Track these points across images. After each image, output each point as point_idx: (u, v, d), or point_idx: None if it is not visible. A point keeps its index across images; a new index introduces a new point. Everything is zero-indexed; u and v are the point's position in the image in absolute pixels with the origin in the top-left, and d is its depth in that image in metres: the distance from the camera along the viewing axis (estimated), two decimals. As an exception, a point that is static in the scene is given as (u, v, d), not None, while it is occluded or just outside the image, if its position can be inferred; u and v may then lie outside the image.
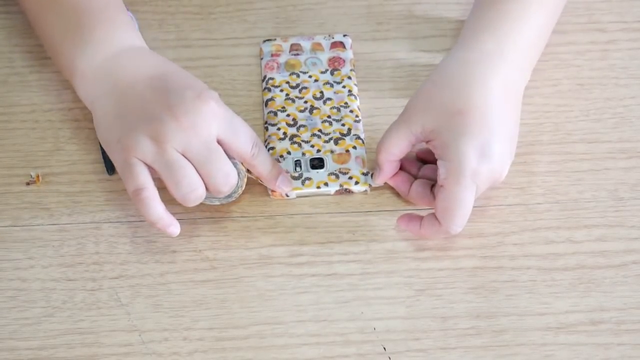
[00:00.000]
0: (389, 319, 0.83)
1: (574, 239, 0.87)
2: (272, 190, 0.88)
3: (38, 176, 0.90)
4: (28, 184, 0.90)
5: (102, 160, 0.90)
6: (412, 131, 0.85)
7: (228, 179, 0.83)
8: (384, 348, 0.82)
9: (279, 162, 0.90)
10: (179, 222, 0.87)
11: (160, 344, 0.82)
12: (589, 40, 0.98)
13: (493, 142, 0.83)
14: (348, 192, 0.89)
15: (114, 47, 0.87)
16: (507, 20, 0.88)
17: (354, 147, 0.91)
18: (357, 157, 0.90)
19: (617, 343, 0.82)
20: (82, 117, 0.93)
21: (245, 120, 0.93)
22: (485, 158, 0.83)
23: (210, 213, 0.88)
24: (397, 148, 0.86)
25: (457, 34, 0.98)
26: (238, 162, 0.85)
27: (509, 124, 0.85)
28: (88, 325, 0.83)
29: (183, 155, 0.82)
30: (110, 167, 0.90)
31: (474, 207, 0.88)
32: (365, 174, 0.89)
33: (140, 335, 0.82)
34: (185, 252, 0.86)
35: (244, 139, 0.84)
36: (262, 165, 0.86)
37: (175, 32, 0.99)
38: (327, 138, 0.91)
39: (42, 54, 0.97)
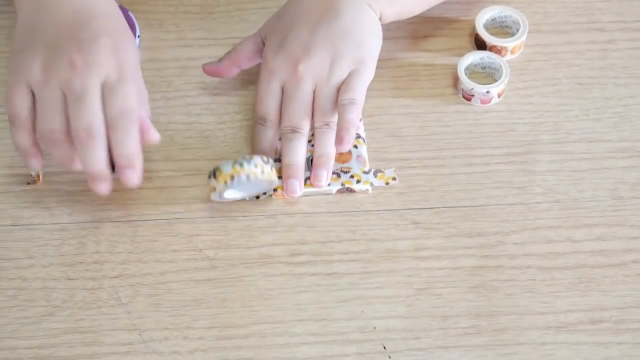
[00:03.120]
0: (389, 318, 0.83)
1: (574, 238, 0.87)
2: (274, 190, 0.88)
3: (39, 176, 0.90)
4: (29, 183, 0.90)
5: None
6: (256, 37, 0.93)
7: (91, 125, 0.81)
8: (384, 347, 0.82)
9: (279, 161, 0.90)
10: (179, 222, 0.87)
11: (161, 343, 0.82)
12: (589, 39, 0.98)
13: (290, 35, 0.89)
14: (350, 191, 0.89)
15: None
16: None
17: (355, 147, 0.91)
18: (358, 156, 0.90)
19: (617, 342, 0.82)
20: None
21: (247, 118, 0.93)
22: (279, 50, 0.89)
23: (210, 213, 0.88)
24: (245, 49, 0.93)
25: (457, 34, 0.99)
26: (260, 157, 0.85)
27: (318, 21, 0.89)
28: (88, 324, 0.83)
29: (63, 93, 0.82)
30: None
31: (473, 206, 0.88)
32: (366, 173, 0.89)
33: (140, 334, 0.82)
34: (186, 251, 0.86)
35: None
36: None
37: (175, 32, 0.99)
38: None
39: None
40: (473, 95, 0.94)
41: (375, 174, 0.90)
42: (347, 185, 0.89)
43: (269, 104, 0.89)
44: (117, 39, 0.84)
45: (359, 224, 0.88)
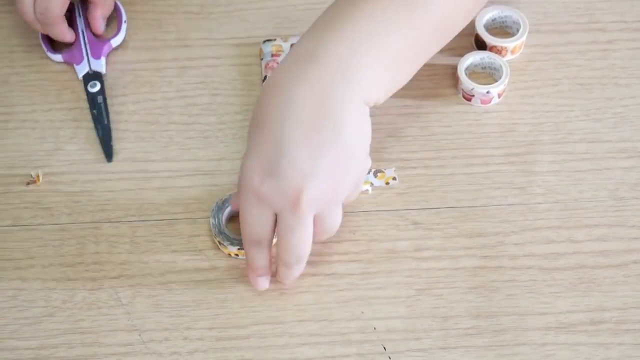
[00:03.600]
0: (389, 318, 0.83)
1: (575, 238, 0.87)
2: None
3: (38, 176, 0.90)
4: (28, 183, 0.90)
5: (103, 147, 0.91)
6: None
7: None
8: (384, 348, 0.82)
9: None
10: (179, 222, 0.87)
11: (161, 344, 0.82)
12: (590, 40, 0.98)
13: (282, 159, 0.76)
14: None
15: None
16: (334, 19, 0.80)
17: None
18: None
19: (618, 343, 0.82)
20: (82, 117, 0.93)
21: (247, 119, 0.93)
22: (271, 176, 0.76)
23: (210, 213, 0.88)
24: None
25: (457, 34, 0.98)
26: None
27: (315, 138, 0.77)
28: (88, 324, 0.83)
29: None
30: (109, 156, 0.90)
31: (474, 206, 0.88)
32: (367, 173, 0.89)
33: (140, 335, 0.82)
34: (186, 251, 0.86)
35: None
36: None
37: (175, 32, 0.99)
38: None
39: (42, 53, 0.97)
40: (473, 96, 0.94)
41: (375, 174, 0.90)
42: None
43: (262, 232, 0.80)
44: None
45: (359, 225, 0.88)
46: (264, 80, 0.95)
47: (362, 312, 0.83)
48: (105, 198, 0.89)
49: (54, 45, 0.97)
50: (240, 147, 0.91)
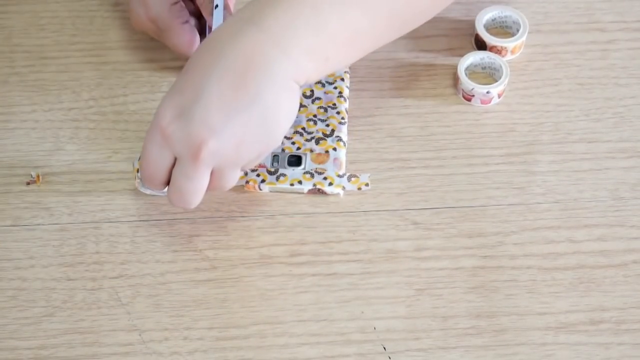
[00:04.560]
0: (389, 318, 0.83)
1: (574, 238, 0.87)
2: (247, 182, 0.88)
3: (38, 176, 0.90)
4: (28, 183, 0.90)
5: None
6: None
7: None
8: (384, 347, 0.82)
9: None
10: (179, 222, 0.87)
11: (161, 344, 0.82)
12: (589, 40, 0.98)
13: (196, 106, 0.77)
14: (321, 192, 0.89)
15: None
16: None
17: (334, 149, 0.90)
18: (335, 159, 0.90)
19: (617, 343, 0.82)
20: (82, 117, 0.93)
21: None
22: (179, 119, 0.78)
23: (210, 213, 0.88)
24: None
25: (457, 34, 0.99)
26: None
27: (234, 97, 0.78)
28: (88, 324, 0.83)
29: None
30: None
31: (473, 206, 0.88)
32: (340, 176, 0.89)
33: (140, 335, 0.82)
34: (186, 251, 0.86)
35: None
36: None
37: (176, 32, 0.99)
38: (309, 137, 0.91)
39: (42, 53, 0.97)
40: (473, 96, 0.94)
41: (349, 179, 0.89)
42: (318, 187, 0.89)
43: (158, 173, 0.81)
44: None
45: (359, 224, 0.88)
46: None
47: (362, 312, 0.83)
48: (105, 198, 0.89)
49: None
50: (240, 147, 0.91)
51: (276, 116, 0.79)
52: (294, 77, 0.80)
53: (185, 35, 0.91)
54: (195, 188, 0.80)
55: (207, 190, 0.82)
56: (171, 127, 0.78)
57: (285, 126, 0.81)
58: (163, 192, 0.86)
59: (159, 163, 0.80)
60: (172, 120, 0.78)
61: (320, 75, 0.83)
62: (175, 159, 0.80)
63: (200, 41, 0.90)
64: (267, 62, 0.78)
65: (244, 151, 0.79)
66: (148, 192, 0.88)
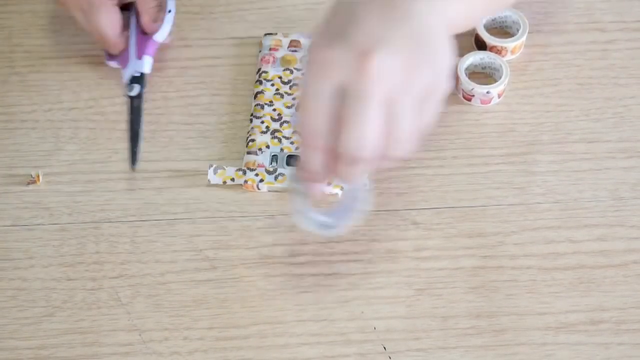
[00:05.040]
0: (389, 318, 0.83)
1: (574, 238, 0.87)
2: (245, 182, 0.88)
3: (38, 176, 0.90)
4: (28, 183, 0.90)
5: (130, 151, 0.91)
6: None
7: None
8: (384, 347, 0.82)
9: (257, 154, 0.90)
10: (179, 222, 0.87)
11: (161, 344, 0.82)
12: (589, 40, 0.98)
13: (352, 23, 0.69)
14: None
15: None
16: None
17: None
18: None
19: (617, 342, 0.82)
20: (82, 117, 0.93)
21: (247, 119, 0.93)
22: (338, 38, 0.68)
23: (210, 213, 0.88)
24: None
25: (457, 34, 0.98)
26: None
27: (390, 13, 0.70)
28: (88, 324, 0.83)
29: None
30: (133, 162, 0.90)
31: (473, 206, 0.88)
32: None
33: (140, 335, 0.82)
34: (186, 251, 0.86)
35: None
36: None
37: (175, 31, 0.99)
38: None
39: (42, 54, 0.97)
40: (473, 96, 0.94)
41: None
42: None
43: (322, 118, 0.70)
44: None
45: (359, 224, 0.88)
46: (257, 73, 0.95)
47: (362, 312, 0.83)
48: (105, 198, 0.89)
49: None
50: (240, 147, 0.91)
51: (433, 37, 0.71)
52: (444, 17, 0.73)
53: (114, 15, 0.93)
54: (366, 120, 0.68)
55: (384, 151, 0.71)
56: (331, 49, 0.68)
57: (447, 54, 0.72)
58: (328, 225, 0.78)
59: (324, 106, 0.69)
60: (330, 43, 0.69)
61: (460, 16, 0.76)
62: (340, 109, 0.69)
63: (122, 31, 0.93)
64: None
65: (415, 70, 0.69)
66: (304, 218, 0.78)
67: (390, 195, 0.89)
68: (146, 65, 0.94)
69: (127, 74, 0.94)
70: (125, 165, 0.90)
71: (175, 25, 0.98)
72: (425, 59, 0.71)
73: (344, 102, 0.69)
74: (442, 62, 0.72)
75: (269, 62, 0.95)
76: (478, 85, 0.93)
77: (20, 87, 0.96)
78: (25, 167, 0.91)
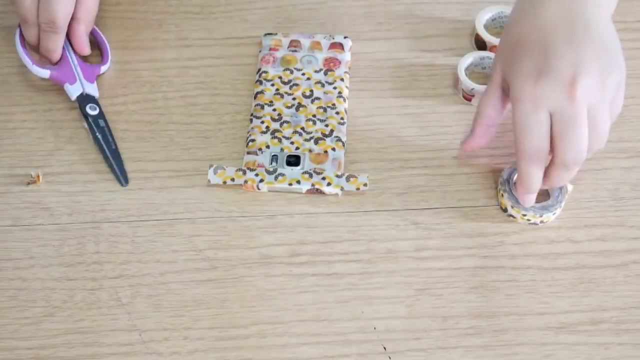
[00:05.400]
0: (389, 318, 0.83)
1: (574, 238, 0.87)
2: (245, 182, 0.88)
3: (38, 176, 0.90)
4: (28, 183, 0.90)
5: (115, 172, 0.90)
6: (495, 81, 0.85)
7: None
8: (384, 347, 0.82)
9: (257, 154, 0.90)
10: (179, 222, 0.87)
11: (161, 344, 0.82)
12: (589, 40, 0.98)
13: (550, 56, 0.81)
14: (319, 192, 0.89)
15: None
16: None
17: (333, 149, 0.90)
18: (334, 159, 0.90)
19: (618, 343, 0.82)
20: (82, 117, 0.93)
21: (247, 119, 0.93)
22: (543, 74, 0.80)
23: (210, 213, 0.88)
24: (490, 107, 0.86)
25: (457, 34, 0.99)
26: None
27: (573, 35, 0.82)
28: (88, 324, 0.83)
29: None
30: (124, 179, 0.89)
31: (473, 206, 0.88)
32: (339, 177, 0.89)
33: (140, 335, 0.82)
34: (186, 251, 0.86)
35: None
36: None
37: (175, 32, 0.99)
38: (308, 137, 0.91)
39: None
40: (473, 96, 0.94)
41: (348, 179, 0.89)
42: (316, 186, 0.89)
43: (540, 140, 0.81)
44: None
45: (359, 224, 0.88)
46: (257, 73, 0.95)
47: (362, 312, 0.83)
48: (105, 198, 0.89)
49: (37, 59, 0.96)
50: (240, 147, 0.91)
51: (613, 41, 0.83)
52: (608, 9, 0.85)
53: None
54: (581, 132, 0.81)
55: (589, 146, 0.82)
56: (539, 86, 0.80)
57: (619, 44, 0.84)
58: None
59: (541, 130, 0.81)
60: (536, 80, 0.81)
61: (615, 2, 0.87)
62: (551, 125, 0.81)
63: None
64: (585, 9, 0.83)
65: (606, 76, 0.81)
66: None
67: (391, 195, 0.89)
68: (97, 90, 0.94)
69: (75, 91, 0.94)
70: (126, 165, 0.90)
71: (175, 25, 0.99)
72: (612, 62, 0.82)
73: (559, 123, 0.81)
74: (620, 54, 0.84)
75: (269, 62, 0.95)
76: (478, 85, 0.93)
77: (20, 87, 0.96)
78: (25, 167, 0.91)
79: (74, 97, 0.93)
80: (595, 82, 0.80)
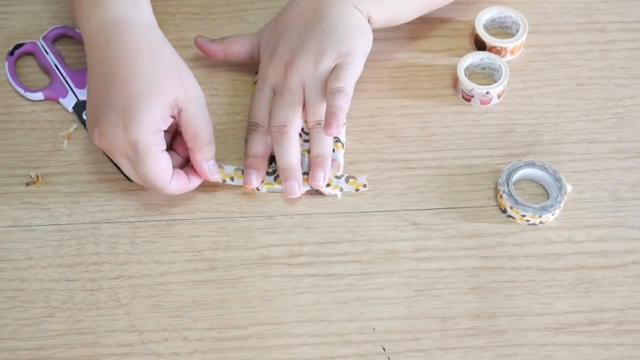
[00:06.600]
0: (388, 319, 0.83)
1: (574, 239, 0.87)
2: (245, 184, 0.88)
3: (38, 176, 0.90)
4: (28, 184, 0.90)
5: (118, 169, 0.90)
6: (256, 41, 0.95)
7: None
8: (384, 348, 0.82)
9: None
10: (178, 223, 0.87)
11: (160, 345, 0.82)
12: (589, 40, 0.98)
13: (279, 45, 0.92)
14: (318, 193, 0.89)
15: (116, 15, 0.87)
16: None
17: (333, 150, 0.90)
18: (333, 160, 0.90)
19: (617, 343, 0.82)
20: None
21: (244, 119, 0.93)
22: (272, 58, 0.91)
23: (209, 214, 0.88)
24: (238, 46, 0.96)
25: (456, 34, 0.99)
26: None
27: (307, 23, 0.91)
28: (88, 325, 0.83)
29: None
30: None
31: (473, 207, 0.88)
32: (338, 178, 0.89)
33: (139, 336, 0.82)
34: (185, 252, 0.86)
35: None
36: None
37: (175, 32, 0.99)
38: (307, 138, 0.91)
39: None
40: (473, 96, 0.94)
41: (347, 180, 0.89)
42: (315, 188, 0.89)
43: (260, 108, 0.90)
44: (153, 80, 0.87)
45: (358, 225, 0.88)
46: (256, 73, 0.95)
47: (362, 313, 0.83)
48: (105, 198, 0.89)
49: (28, 85, 0.95)
50: (239, 148, 0.91)
51: (342, 29, 0.90)
52: (355, 4, 0.91)
53: (163, 162, 0.84)
54: (286, 102, 0.89)
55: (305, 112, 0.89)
56: (267, 67, 0.91)
57: (356, 41, 0.90)
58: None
59: (262, 101, 0.91)
60: (267, 63, 0.92)
61: (380, 16, 0.92)
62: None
63: (172, 176, 0.86)
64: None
65: (320, 61, 0.89)
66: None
67: (390, 196, 0.89)
68: None
69: (69, 103, 0.94)
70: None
71: (175, 25, 0.99)
72: (334, 45, 0.89)
73: (275, 96, 0.90)
74: (350, 37, 0.90)
75: None
76: (477, 86, 0.93)
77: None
78: (25, 168, 0.91)
79: (70, 108, 0.94)
80: (307, 62, 0.89)
